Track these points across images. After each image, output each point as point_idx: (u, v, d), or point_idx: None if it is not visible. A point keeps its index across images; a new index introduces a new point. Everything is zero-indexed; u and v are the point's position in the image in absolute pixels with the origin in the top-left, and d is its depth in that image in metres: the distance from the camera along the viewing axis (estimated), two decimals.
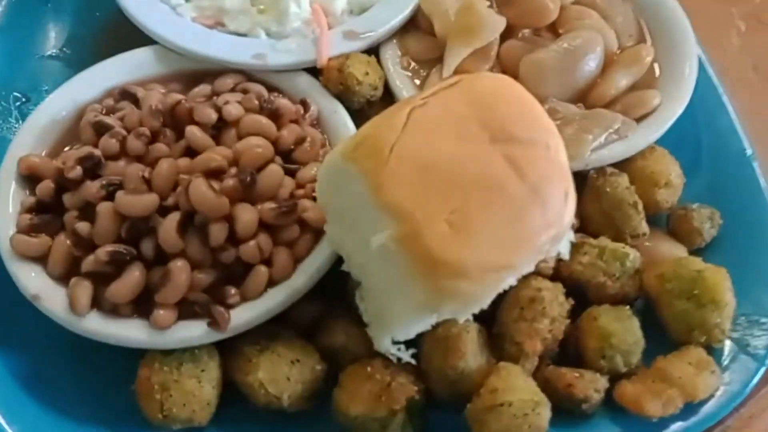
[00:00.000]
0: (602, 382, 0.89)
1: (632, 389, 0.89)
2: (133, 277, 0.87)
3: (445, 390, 0.89)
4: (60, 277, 0.90)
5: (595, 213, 0.99)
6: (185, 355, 0.87)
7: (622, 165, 1.02)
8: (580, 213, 0.87)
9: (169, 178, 0.89)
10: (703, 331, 0.92)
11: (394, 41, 1.11)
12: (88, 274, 0.88)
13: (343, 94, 1.04)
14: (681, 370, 0.89)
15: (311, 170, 0.95)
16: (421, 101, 0.80)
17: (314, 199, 0.91)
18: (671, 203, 1.03)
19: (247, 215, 0.88)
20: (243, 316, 0.89)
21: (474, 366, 0.88)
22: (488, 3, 1.07)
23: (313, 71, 1.06)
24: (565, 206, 0.80)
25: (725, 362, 0.94)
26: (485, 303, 0.79)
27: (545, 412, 0.84)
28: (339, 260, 0.89)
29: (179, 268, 0.87)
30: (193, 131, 0.94)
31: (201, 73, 1.07)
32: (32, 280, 0.90)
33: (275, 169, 0.92)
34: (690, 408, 0.90)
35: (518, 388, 0.84)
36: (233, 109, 0.95)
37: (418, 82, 1.08)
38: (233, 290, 0.89)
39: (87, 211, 0.90)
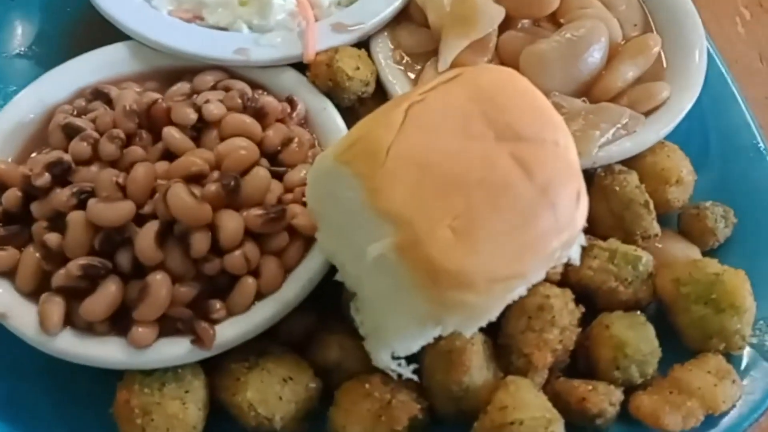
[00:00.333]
0: (617, 395, 0.88)
1: (649, 401, 0.87)
2: (109, 292, 0.84)
3: (450, 407, 0.87)
4: (29, 293, 0.87)
5: (604, 214, 0.98)
6: (167, 375, 0.84)
7: (630, 162, 1.00)
8: (587, 214, 0.84)
9: (145, 184, 0.87)
10: (722, 338, 0.90)
11: (386, 34, 1.09)
12: (59, 290, 0.85)
13: (333, 91, 1.02)
14: (700, 379, 0.87)
15: (300, 173, 0.94)
16: (419, 97, 0.78)
17: (304, 204, 0.88)
18: (683, 202, 1.02)
19: (231, 223, 0.86)
20: (229, 331, 0.86)
21: (480, 381, 0.86)
22: None
23: (300, 67, 1.04)
24: (577, 208, 0.78)
25: (744, 369, 0.93)
26: (493, 315, 0.77)
27: (559, 430, 0.82)
28: (332, 269, 0.87)
29: (159, 281, 0.83)
30: (171, 133, 0.91)
31: (179, 71, 1.05)
32: None
33: (261, 173, 0.89)
34: (710, 420, 0.88)
35: (529, 404, 0.82)
36: (214, 108, 0.93)
37: (412, 76, 1.06)
38: (218, 304, 0.86)
39: (57, 222, 0.88)
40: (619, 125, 0.99)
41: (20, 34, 1.18)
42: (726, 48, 1.22)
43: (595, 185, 0.98)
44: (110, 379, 0.85)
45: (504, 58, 1.05)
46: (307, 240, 0.90)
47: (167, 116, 0.92)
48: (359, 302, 0.84)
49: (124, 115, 0.92)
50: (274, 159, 0.94)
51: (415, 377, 0.83)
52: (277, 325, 0.88)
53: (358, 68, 1.02)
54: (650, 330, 0.90)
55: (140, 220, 0.85)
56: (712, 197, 1.03)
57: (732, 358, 0.92)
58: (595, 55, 1.03)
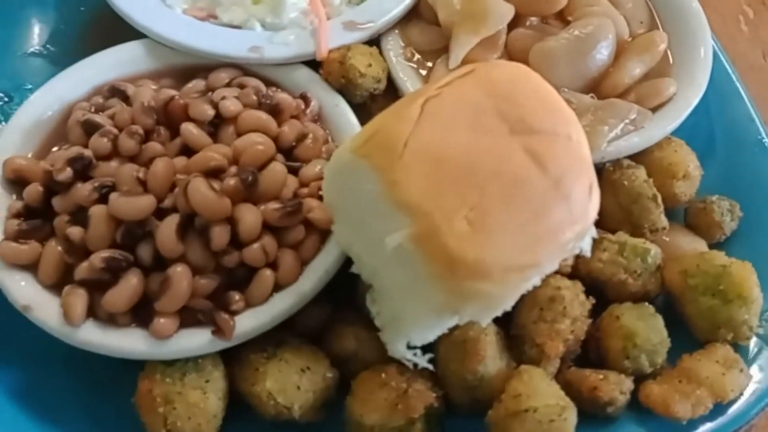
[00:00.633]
0: (627, 384, 0.89)
1: (659, 390, 0.88)
2: (131, 284, 0.85)
3: (464, 396, 0.88)
4: (51, 286, 0.88)
5: (612, 207, 0.98)
6: (188, 366, 0.85)
7: (638, 157, 1.01)
8: None
9: (165, 178, 0.87)
10: (729, 328, 0.91)
11: (396, 32, 1.10)
12: (82, 282, 0.86)
13: (345, 88, 1.03)
14: (708, 369, 0.89)
15: (314, 168, 0.94)
16: (434, 92, 0.79)
17: (319, 197, 0.90)
18: (689, 196, 1.03)
19: (250, 216, 0.87)
20: (248, 322, 0.87)
21: (494, 370, 0.87)
22: None
23: (313, 64, 1.05)
24: (590, 200, 0.79)
25: (752, 359, 0.94)
26: (509, 304, 0.78)
27: (572, 418, 0.83)
28: (348, 262, 0.88)
29: (180, 273, 0.84)
30: (189, 128, 0.92)
31: (193, 68, 1.05)
32: (22, 290, 0.87)
33: (278, 168, 0.90)
34: (718, 408, 0.89)
35: (542, 392, 0.83)
36: (231, 104, 0.94)
37: (423, 73, 1.07)
38: (237, 296, 0.87)
39: (78, 216, 0.88)
40: (626, 121, 1.00)
41: (37, 33, 1.19)
42: (730, 46, 1.23)
43: (604, 180, 0.98)
44: (132, 369, 0.86)
45: (513, 55, 1.06)
46: (322, 233, 0.91)
47: (184, 112, 0.93)
48: (375, 293, 0.84)
49: (142, 112, 0.92)
50: (289, 154, 0.94)
51: (430, 367, 0.84)
52: (294, 317, 0.89)
53: (370, 65, 1.03)
54: (659, 321, 0.91)
55: (161, 213, 0.86)
56: (718, 191, 1.04)
57: (740, 348, 0.93)
58: (603, 52, 1.04)
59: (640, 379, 0.90)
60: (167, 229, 0.84)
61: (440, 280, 0.73)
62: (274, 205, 0.88)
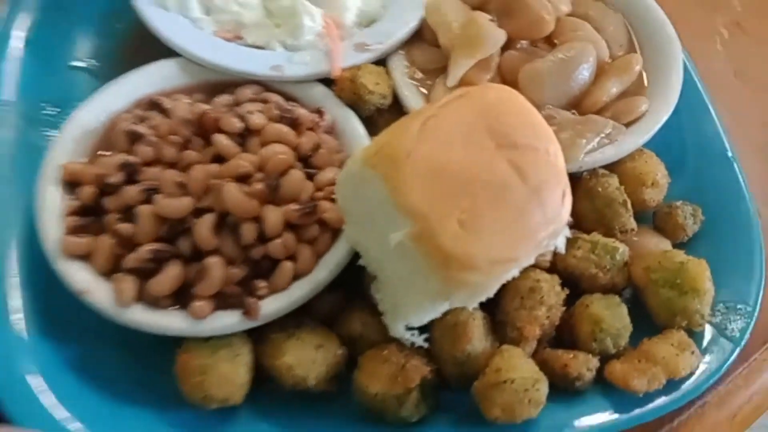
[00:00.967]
0: (594, 362, 0.94)
1: (620, 368, 0.93)
2: (173, 272, 0.92)
3: (454, 370, 0.94)
4: (104, 274, 0.94)
5: (588, 211, 1.04)
6: (221, 342, 0.91)
7: (612, 166, 1.06)
8: (574, 211, 0.90)
9: (202, 182, 0.94)
10: (684, 316, 0.97)
11: (402, 52, 1.14)
12: (131, 270, 0.92)
13: (355, 103, 1.07)
14: (664, 350, 0.94)
15: (328, 174, 0.99)
16: (434, 111, 0.84)
17: (332, 201, 0.95)
18: (657, 201, 1.08)
19: (273, 216, 0.93)
20: (272, 306, 0.93)
21: (480, 349, 0.92)
22: (489, 17, 1.11)
23: (327, 81, 1.09)
24: (563, 205, 0.85)
25: (705, 345, 1.00)
26: (491, 292, 0.85)
27: (543, 388, 0.89)
28: (356, 256, 0.93)
29: (215, 263, 0.91)
30: (220, 139, 0.97)
31: (222, 84, 1.09)
32: (80, 277, 0.93)
33: (297, 174, 0.96)
34: (672, 384, 0.95)
35: (519, 367, 0.89)
36: (257, 118, 0.99)
37: (424, 91, 1.11)
38: (263, 283, 0.93)
39: (127, 213, 0.94)
40: (603, 135, 1.05)
41: (79, 49, 1.19)
42: (704, 64, 1.24)
43: (581, 186, 1.03)
44: (172, 345, 0.91)
45: (505, 75, 1.10)
46: (335, 231, 0.96)
47: (215, 125, 0.97)
48: (379, 283, 0.91)
49: (181, 124, 0.98)
50: (307, 162, 0.99)
51: (426, 345, 0.90)
52: (310, 302, 0.94)
53: (377, 83, 1.07)
54: (623, 309, 0.96)
55: (197, 212, 0.92)
56: (685, 198, 1.09)
57: (695, 336, 0.98)
58: (584, 73, 1.09)
59: (605, 359, 0.95)
60: (204, 226, 0.91)
61: (435, 273, 0.79)
62: (293, 206, 0.94)
